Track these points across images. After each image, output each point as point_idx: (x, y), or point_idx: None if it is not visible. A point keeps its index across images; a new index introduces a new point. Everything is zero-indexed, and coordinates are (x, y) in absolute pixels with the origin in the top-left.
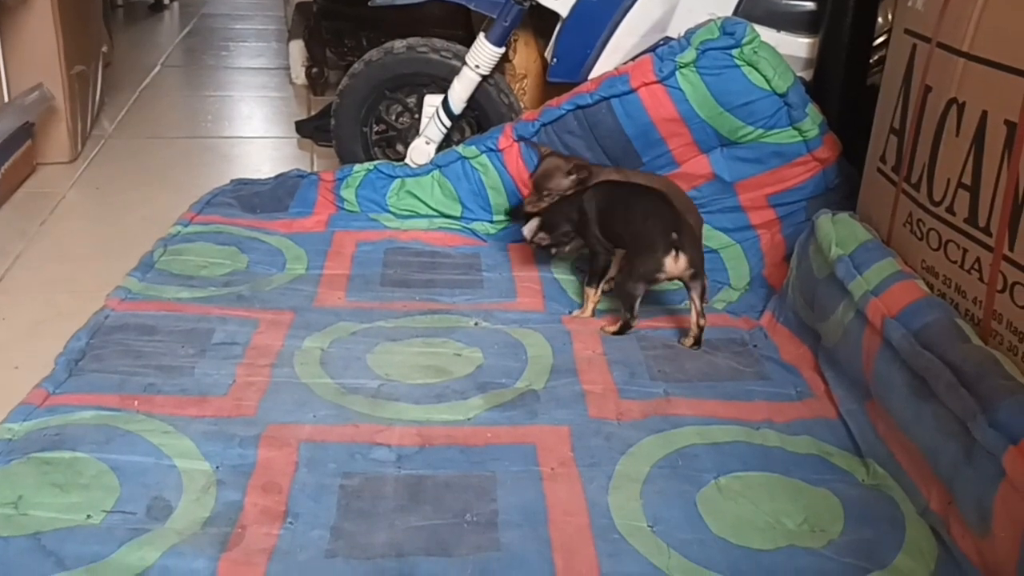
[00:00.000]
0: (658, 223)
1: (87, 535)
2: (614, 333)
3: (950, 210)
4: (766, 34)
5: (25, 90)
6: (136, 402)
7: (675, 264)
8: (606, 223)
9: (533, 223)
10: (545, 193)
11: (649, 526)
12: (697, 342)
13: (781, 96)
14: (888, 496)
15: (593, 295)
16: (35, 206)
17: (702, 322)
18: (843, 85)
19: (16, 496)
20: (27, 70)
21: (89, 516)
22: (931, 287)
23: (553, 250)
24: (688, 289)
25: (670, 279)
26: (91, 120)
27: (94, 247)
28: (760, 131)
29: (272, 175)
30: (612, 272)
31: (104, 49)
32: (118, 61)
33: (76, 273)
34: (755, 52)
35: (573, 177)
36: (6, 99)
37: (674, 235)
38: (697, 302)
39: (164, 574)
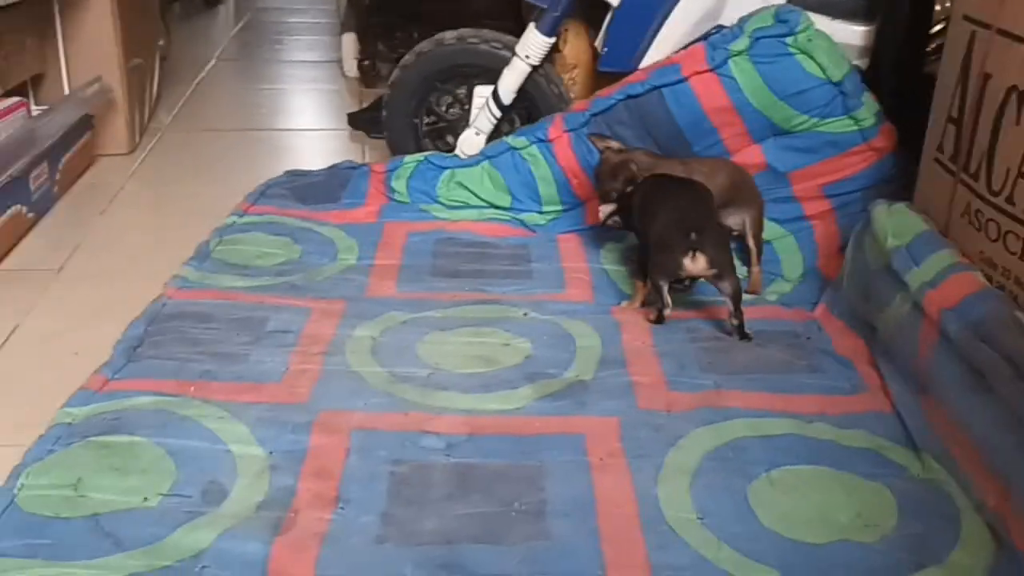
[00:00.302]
0: (679, 221)
1: (144, 517)
2: (652, 321)
3: (1010, 200)
4: (821, 22)
5: (84, 83)
6: (192, 388)
7: (693, 264)
8: (644, 217)
9: (607, 207)
10: (605, 194)
11: (699, 518)
12: (741, 336)
13: (836, 84)
14: (943, 491)
15: (641, 287)
16: (95, 196)
17: (733, 321)
18: (900, 74)
19: (76, 478)
20: (86, 63)
21: (146, 499)
22: (989, 279)
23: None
24: (717, 288)
25: (692, 277)
26: (148, 113)
27: (151, 237)
28: (814, 120)
29: (324, 167)
30: None
31: (161, 43)
32: (174, 55)
33: (134, 262)
34: (810, 40)
35: (621, 178)
36: (66, 92)
37: (693, 235)
38: (729, 302)
39: (219, 556)
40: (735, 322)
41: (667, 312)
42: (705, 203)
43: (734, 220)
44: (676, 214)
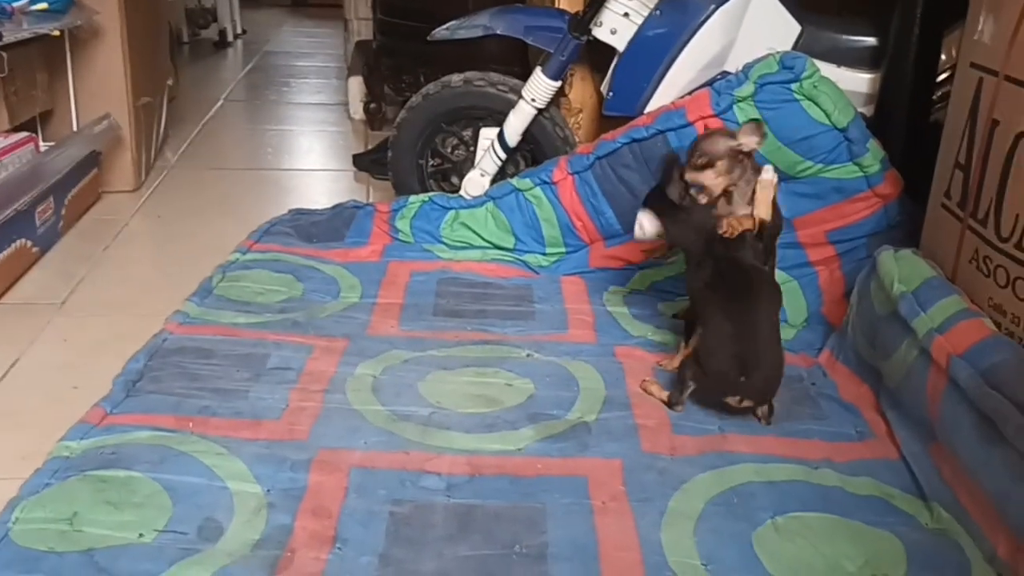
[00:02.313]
0: (736, 355)
1: (139, 553)
2: (662, 401)
3: (1019, 246)
4: (826, 69)
5: (93, 120)
6: (191, 424)
7: (739, 404)
8: (702, 306)
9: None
10: (700, 159)
11: (703, 564)
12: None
13: (841, 131)
14: (953, 541)
15: (683, 349)
16: (99, 232)
17: (763, 423)
18: (906, 121)
19: (72, 512)
20: (95, 100)
21: (141, 535)
22: (998, 326)
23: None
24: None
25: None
26: (155, 151)
27: (155, 272)
28: (819, 166)
29: (329, 206)
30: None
31: (169, 83)
32: (183, 95)
33: (137, 297)
34: (815, 86)
35: (733, 144)
36: (75, 128)
37: (743, 378)
38: (763, 416)
39: None
40: (764, 423)
41: (679, 409)
42: (770, 322)
43: None
44: (733, 343)
